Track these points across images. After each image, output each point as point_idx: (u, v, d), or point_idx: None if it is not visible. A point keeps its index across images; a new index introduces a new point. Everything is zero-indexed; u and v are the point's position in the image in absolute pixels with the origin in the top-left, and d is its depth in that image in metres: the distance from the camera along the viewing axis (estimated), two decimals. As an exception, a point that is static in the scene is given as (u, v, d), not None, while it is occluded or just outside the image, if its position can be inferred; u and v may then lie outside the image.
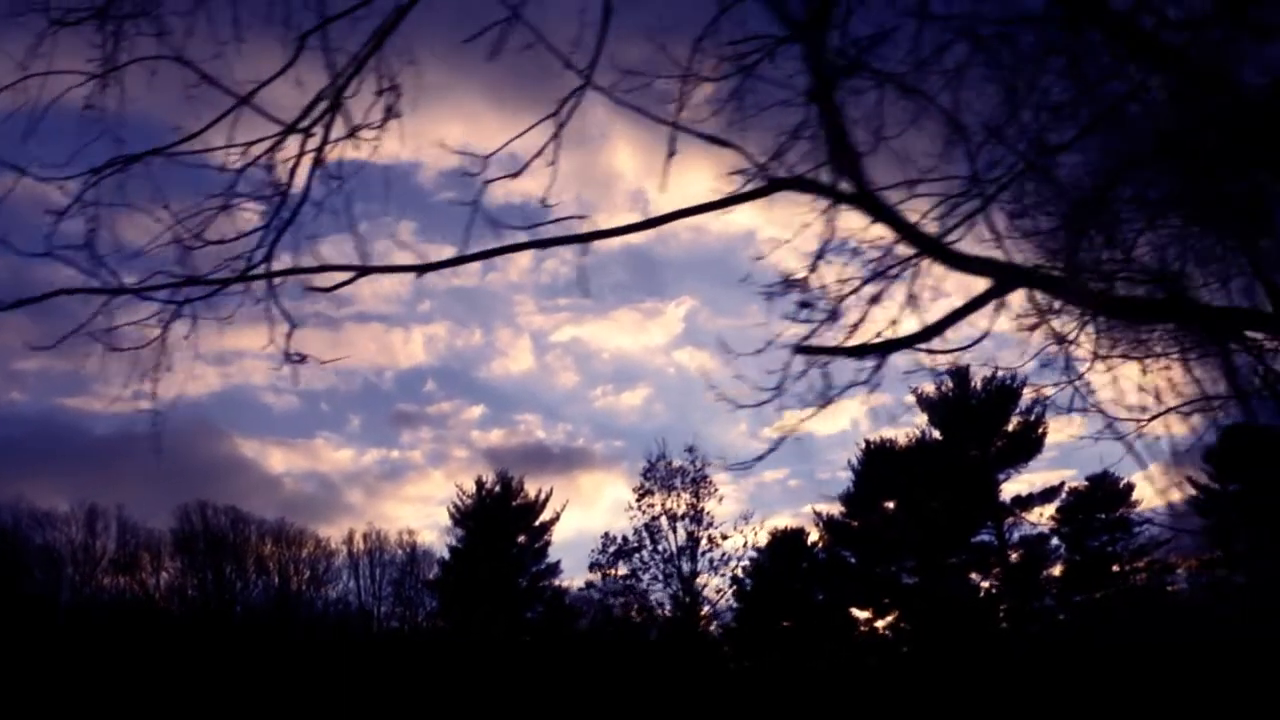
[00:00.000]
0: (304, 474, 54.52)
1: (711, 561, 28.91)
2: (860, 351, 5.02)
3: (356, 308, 41.64)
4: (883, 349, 5.04)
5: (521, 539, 30.24)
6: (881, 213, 5.10)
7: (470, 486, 32.01)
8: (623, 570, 27.89)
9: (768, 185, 5.09)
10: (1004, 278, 5.30)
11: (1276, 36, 8.18)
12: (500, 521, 29.81)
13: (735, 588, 33.61)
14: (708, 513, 28.83)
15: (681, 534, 28.60)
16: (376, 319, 45.26)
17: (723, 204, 5.14)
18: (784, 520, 35.50)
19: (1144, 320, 6.88)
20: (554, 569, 30.43)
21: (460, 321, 54.04)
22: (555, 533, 30.64)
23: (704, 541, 28.56)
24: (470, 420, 50.27)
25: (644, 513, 28.27)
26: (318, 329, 6.24)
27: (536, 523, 30.43)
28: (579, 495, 50.77)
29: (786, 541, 31.93)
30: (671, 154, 5.19)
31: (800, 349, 5.07)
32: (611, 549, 27.66)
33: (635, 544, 27.80)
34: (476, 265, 6.63)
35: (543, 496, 30.38)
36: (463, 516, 30.50)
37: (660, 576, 28.47)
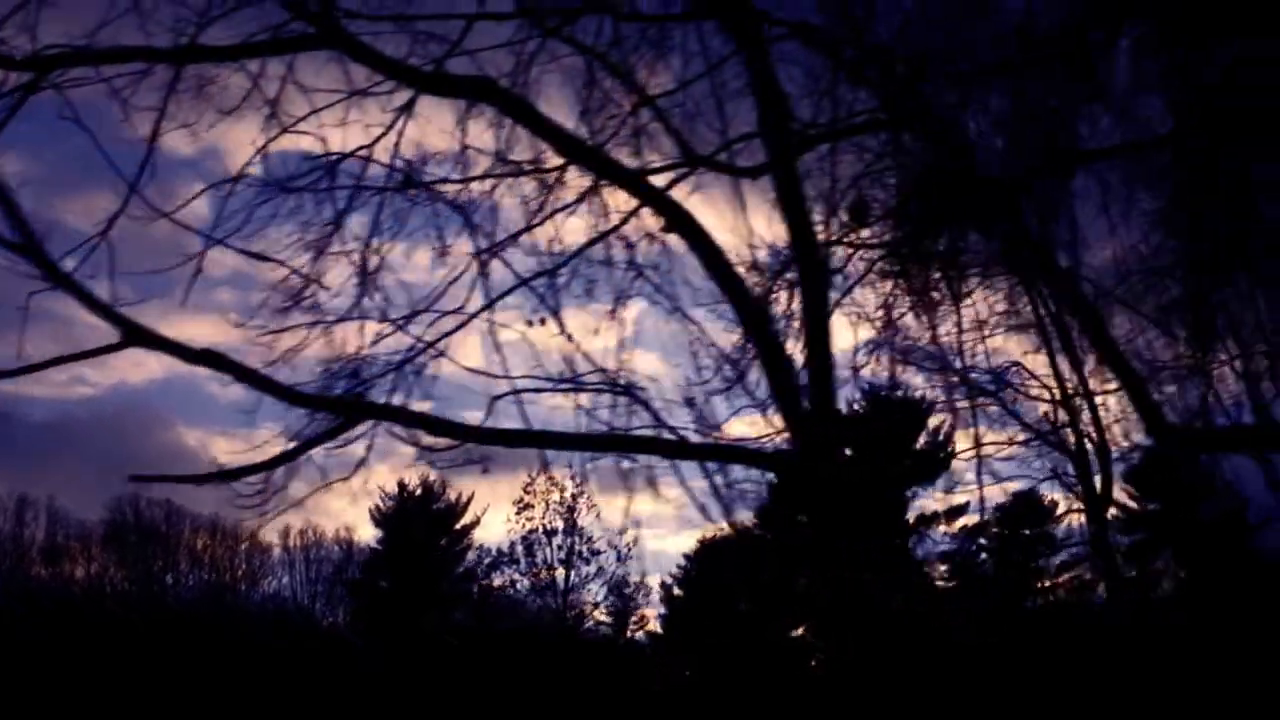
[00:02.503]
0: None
1: (585, 576, 29.38)
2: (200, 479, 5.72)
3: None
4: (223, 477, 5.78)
5: (443, 542, 30.48)
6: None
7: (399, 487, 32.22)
8: (497, 581, 28.28)
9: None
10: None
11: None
12: (421, 524, 30.06)
13: (663, 594, 33.93)
14: (581, 526, 29.19)
15: (559, 547, 28.89)
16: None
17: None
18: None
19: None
20: (473, 573, 30.71)
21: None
22: (495, 534, 30.92)
23: (577, 555, 28.91)
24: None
25: (522, 525, 28.63)
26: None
27: (458, 526, 30.70)
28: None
29: (714, 550, 32.17)
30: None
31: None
32: (487, 560, 28.06)
33: (509, 556, 28.21)
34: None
35: (463, 500, 30.69)
36: (384, 518, 30.74)
37: (536, 589, 28.80)
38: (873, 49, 6.72)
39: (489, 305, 6.58)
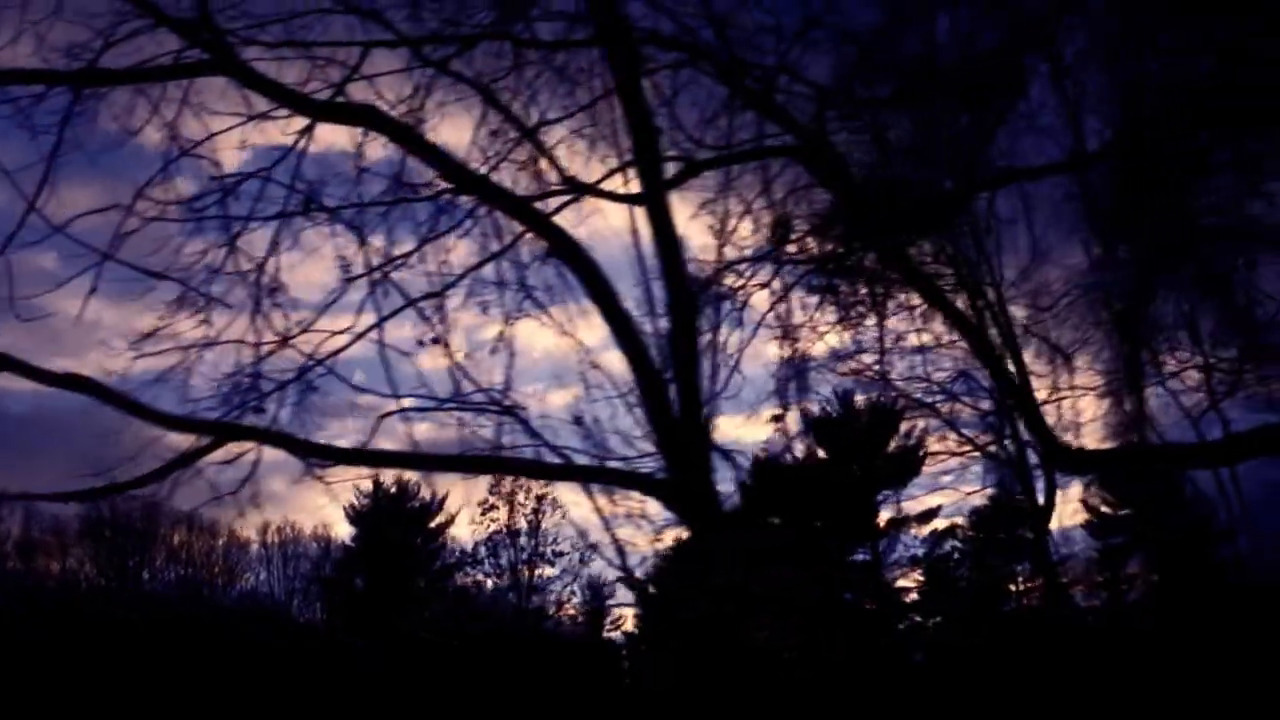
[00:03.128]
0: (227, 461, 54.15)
1: (544, 578, 29.51)
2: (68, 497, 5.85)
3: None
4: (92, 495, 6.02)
5: (418, 540, 30.57)
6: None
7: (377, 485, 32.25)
8: (465, 581, 28.31)
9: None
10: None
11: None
12: (395, 522, 30.13)
13: (637, 594, 33.99)
14: (545, 529, 29.27)
15: (521, 549, 28.96)
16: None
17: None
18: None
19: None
20: (450, 570, 30.80)
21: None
22: (468, 533, 30.97)
23: (539, 557, 29.02)
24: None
25: (486, 527, 28.69)
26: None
27: (432, 524, 30.78)
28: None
29: (688, 550, 32.16)
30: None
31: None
32: (451, 560, 28.09)
33: (472, 557, 28.25)
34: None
35: (438, 498, 30.74)
36: (358, 516, 30.82)
37: (500, 589, 28.87)
38: (765, 76, 6.84)
39: (378, 325, 6.72)
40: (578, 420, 6.86)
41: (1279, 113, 8.87)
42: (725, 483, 8.01)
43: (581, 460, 6.78)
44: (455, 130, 7.14)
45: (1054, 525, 37.82)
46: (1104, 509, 32.16)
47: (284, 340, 6.61)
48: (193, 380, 6.61)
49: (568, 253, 6.66)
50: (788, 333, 8.97)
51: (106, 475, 6.59)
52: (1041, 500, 15.91)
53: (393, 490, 30.91)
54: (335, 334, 6.75)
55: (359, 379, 6.99)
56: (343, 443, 6.84)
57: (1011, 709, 26.73)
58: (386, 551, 30.12)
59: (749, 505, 29.42)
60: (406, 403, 6.63)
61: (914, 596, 31.48)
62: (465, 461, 6.79)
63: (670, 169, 7.02)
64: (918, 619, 32.15)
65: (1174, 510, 30.76)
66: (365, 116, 6.63)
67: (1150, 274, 10.65)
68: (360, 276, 6.76)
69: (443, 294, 6.91)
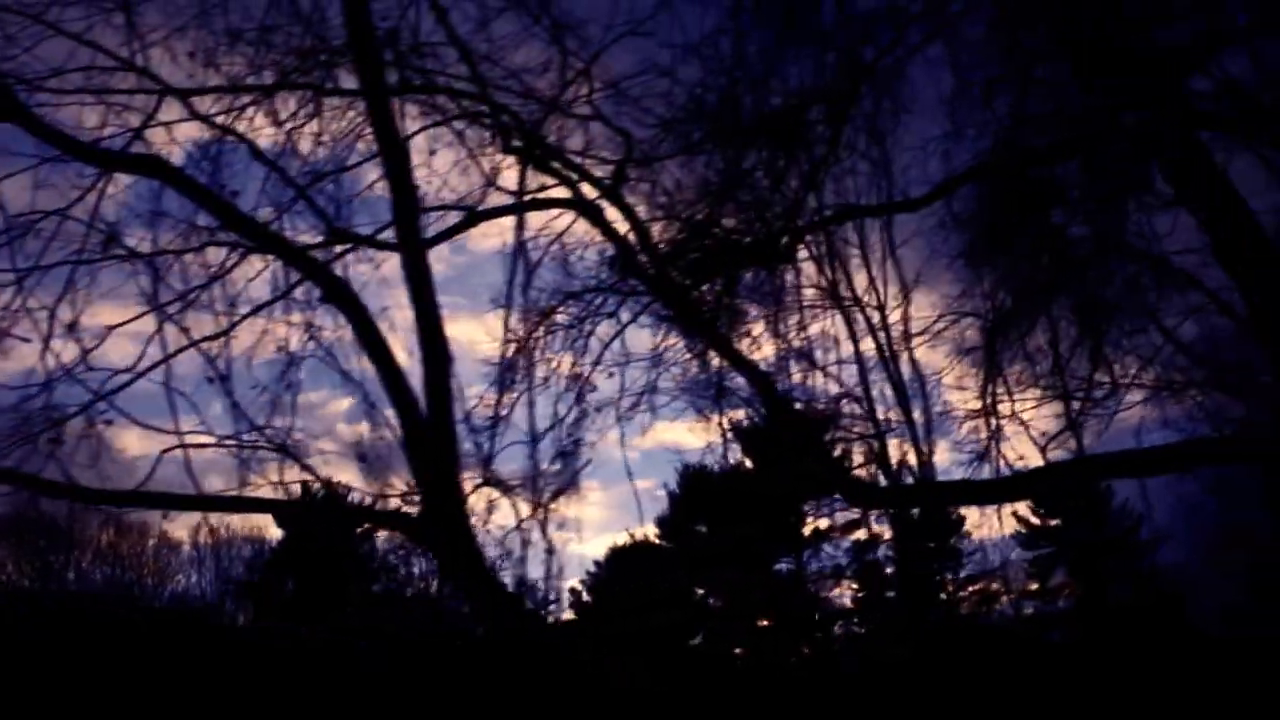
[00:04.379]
0: (164, 459, 53.47)
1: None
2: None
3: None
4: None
5: (349, 543, 30.34)
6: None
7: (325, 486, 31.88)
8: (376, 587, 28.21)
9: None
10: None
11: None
12: (326, 525, 29.83)
13: (573, 599, 33.98)
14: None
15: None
16: (246, 303, 44.60)
17: None
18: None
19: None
20: (377, 574, 30.65)
21: (333, 312, 53.33)
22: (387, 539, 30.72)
23: None
24: (338, 413, 49.82)
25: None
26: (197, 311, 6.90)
27: (361, 528, 30.54)
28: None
29: (624, 557, 32.28)
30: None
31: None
32: (374, 566, 27.93)
33: (384, 564, 28.13)
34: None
35: (367, 501, 30.31)
36: (286, 519, 30.49)
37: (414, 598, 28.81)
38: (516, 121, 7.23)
39: (162, 362, 6.97)
40: (361, 457, 7.26)
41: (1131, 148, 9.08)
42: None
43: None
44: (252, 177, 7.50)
45: (989, 535, 38.27)
46: (1033, 519, 32.66)
47: (68, 373, 6.85)
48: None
49: (341, 298, 7.04)
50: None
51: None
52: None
53: (322, 493, 30.68)
54: (118, 372, 7.09)
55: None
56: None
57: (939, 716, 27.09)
58: (316, 554, 29.88)
59: (678, 513, 29.65)
60: (187, 439, 6.93)
61: (845, 604, 31.71)
62: (212, 501, 7.08)
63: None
64: (852, 628, 32.47)
65: (1098, 521, 31.38)
66: (151, 166, 6.94)
67: (1011, 300, 10.83)
68: (145, 314, 7.06)
69: (227, 334, 7.31)
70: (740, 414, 9.87)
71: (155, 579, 35.48)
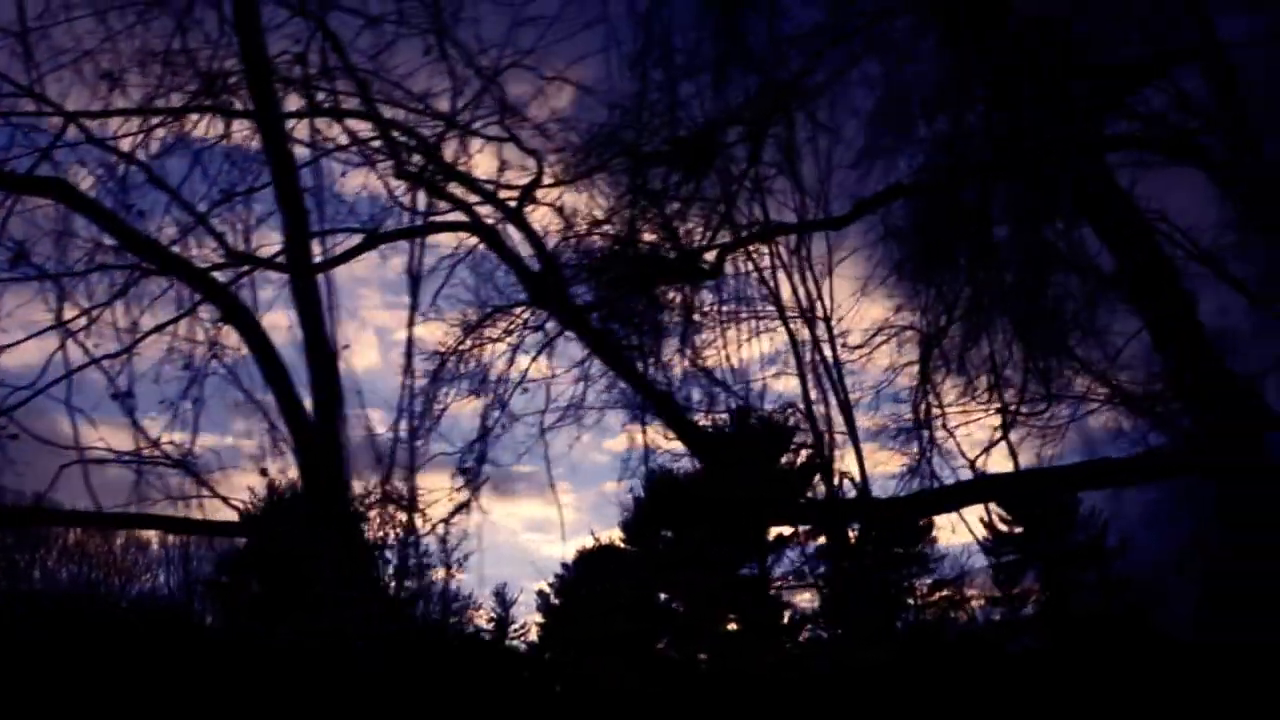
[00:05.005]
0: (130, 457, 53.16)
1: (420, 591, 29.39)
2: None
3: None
4: None
5: (315, 544, 30.13)
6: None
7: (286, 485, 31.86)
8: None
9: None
10: None
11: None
12: (291, 525, 29.66)
13: (540, 602, 33.97)
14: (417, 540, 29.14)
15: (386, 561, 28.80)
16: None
17: None
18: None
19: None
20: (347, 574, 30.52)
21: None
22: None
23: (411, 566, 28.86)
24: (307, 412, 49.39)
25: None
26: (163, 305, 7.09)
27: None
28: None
29: (592, 559, 32.25)
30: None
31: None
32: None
33: None
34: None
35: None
36: (251, 519, 30.27)
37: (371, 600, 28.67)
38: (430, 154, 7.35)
39: (64, 378, 7.05)
40: (263, 472, 7.40)
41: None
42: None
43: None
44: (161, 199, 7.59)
45: (957, 541, 38.25)
46: (999, 525, 32.77)
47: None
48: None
49: (240, 320, 7.19)
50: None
51: None
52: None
53: (288, 493, 30.59)
54: (19, 389, 7.19)
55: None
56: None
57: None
58: (282, 555, 29.73)
59: (643, 518, 29.62)
60: (87, 455, 7.03)
61: (813, 608, 31.75)
62: (104, 518, 7.20)
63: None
64: (820, 633, 32.53)
65: (1065, 528, 31.53)
66: (55, 189, 7.04)
67: (945, 314, 10.86)
68: (49, 329, 7.15)
69: (129, 352, 7.45)
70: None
71: (123, 578, 35.39)
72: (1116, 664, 26.73)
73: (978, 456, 9.88)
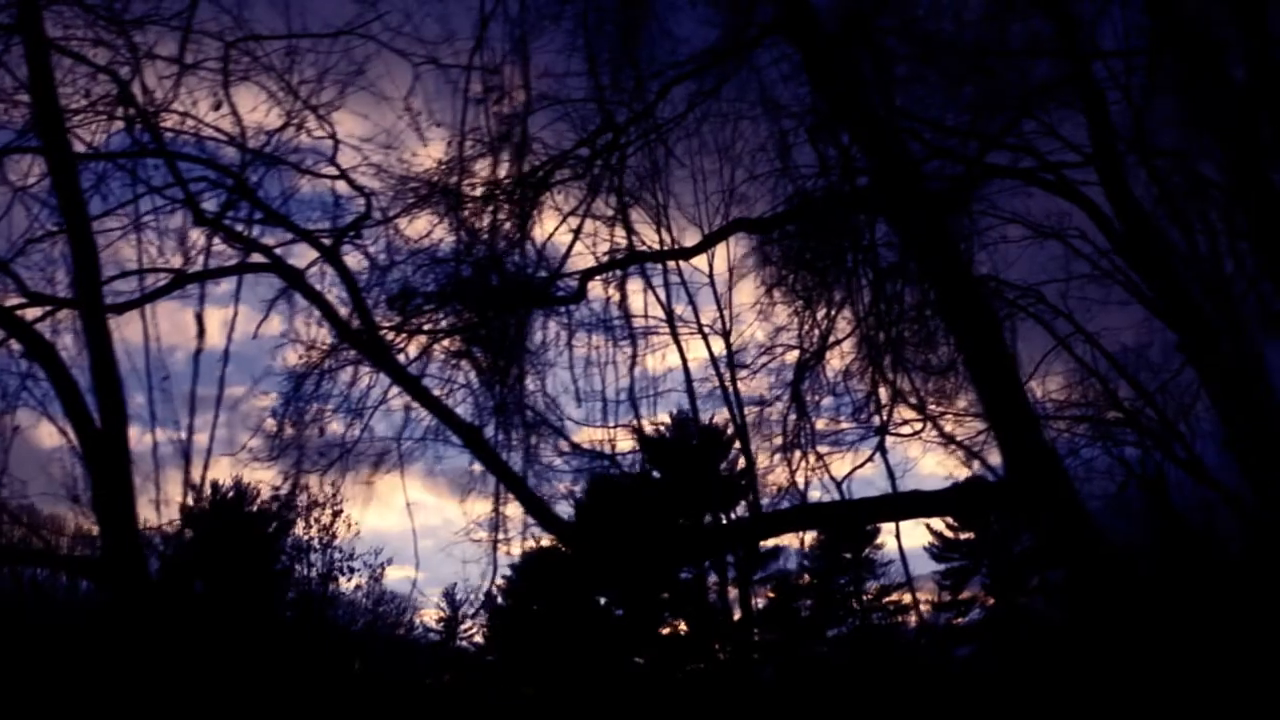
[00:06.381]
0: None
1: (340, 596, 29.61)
2: None
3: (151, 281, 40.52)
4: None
5: (256, 544, 30.15)
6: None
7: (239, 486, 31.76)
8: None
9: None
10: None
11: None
12: (233, 525, 29.65)
13: (485, 603, 33.91)
14: (339, 545, 29.27)
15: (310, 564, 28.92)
16: (179, 298, 44.27)
17: None
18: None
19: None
20: (285, 575, 30.52)
21: (258, 309, 53.05)
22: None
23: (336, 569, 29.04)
24: (264, 408, 49.32)
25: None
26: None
27: (271, 528, 30.39)
28: (374, 496, 50.23)
29: (536, 562, 32.18)
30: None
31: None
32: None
33: None
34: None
35: (273, 506, 30.31)
36: (192, 519, 30.07)
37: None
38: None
39: None
40: (74, 499, 7.49)
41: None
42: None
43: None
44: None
45: (893, 548, 38.33)
46: (946, 532, 32.87)
47: None
48: None
49: (43, 356, 7.24)
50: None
51: None
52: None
53: (229, 493, 30.49)
54: None
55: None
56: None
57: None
58: (223, 555, 29.62)
59: (583, 522, 29.49)
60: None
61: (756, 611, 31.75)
62: None
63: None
64: (765, 635, 32.57)
65: (1012, 534, 31.58)
66: None
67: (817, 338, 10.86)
68: None
69: None
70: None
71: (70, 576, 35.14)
72: (1059, 669, 26.81)
73: (845, 478, 10.06)
